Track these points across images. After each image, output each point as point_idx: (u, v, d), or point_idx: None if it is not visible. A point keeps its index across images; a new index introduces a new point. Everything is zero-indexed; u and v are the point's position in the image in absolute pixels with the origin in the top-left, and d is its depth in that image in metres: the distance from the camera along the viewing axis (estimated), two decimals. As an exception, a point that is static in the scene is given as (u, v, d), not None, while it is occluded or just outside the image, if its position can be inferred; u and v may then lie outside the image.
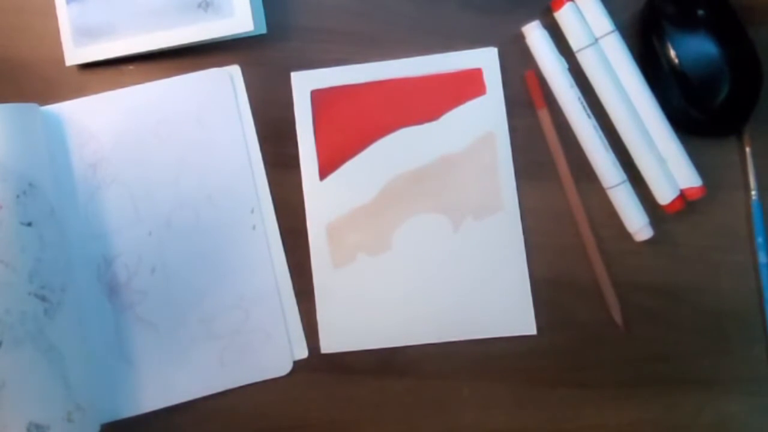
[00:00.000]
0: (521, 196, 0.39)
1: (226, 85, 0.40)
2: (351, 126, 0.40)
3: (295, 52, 0.40)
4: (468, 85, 0.39)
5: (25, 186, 0.36)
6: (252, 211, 0.39)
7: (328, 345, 0.38)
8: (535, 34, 0.39)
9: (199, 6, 0.39)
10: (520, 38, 0.39)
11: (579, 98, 0.38)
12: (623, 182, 0.38)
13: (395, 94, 0.40)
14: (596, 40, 0.38)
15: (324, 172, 0.39)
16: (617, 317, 0.38)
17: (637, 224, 0.38)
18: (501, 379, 0.38)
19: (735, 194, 0.39)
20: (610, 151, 0.38)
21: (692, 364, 0.38)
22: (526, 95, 0.39)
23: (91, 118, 0.40)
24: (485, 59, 0.40)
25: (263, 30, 0.40)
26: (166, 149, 0.39)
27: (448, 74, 0.40)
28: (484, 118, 0.39)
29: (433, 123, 0.39)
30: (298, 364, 0.38)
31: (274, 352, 0.38)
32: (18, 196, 0.36)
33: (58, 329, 0.36)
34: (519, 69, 0.39)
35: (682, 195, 0.38)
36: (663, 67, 0.38)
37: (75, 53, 0.40)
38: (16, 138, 0.37)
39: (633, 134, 0.38)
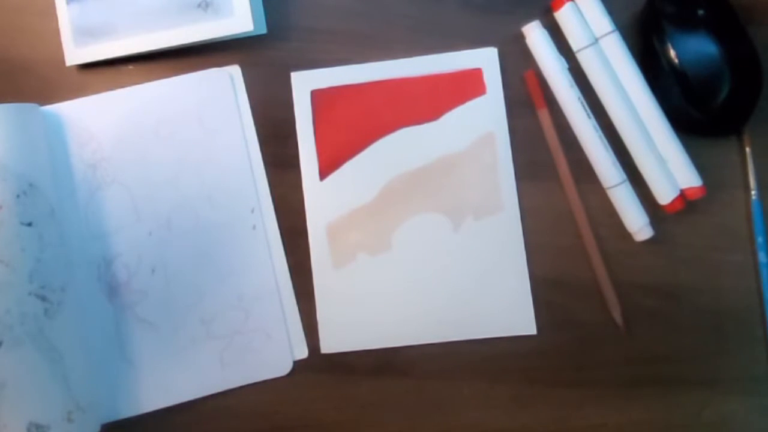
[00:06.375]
0: (521, 196, 0.39)
1: (226, 85, 0.40)
2: (351, 126, 0.40)
3: (295, 52, 0.40)
4: (468, 85, 0.39)
5: (25, 186, 0.36)
6: (252, 211, 0.39)
7: (328, 345, 0.38)
8: (535, 34, 0.39)
9: (199, 6, 0.39)
10: (520, 38, 0.39)
11: (579, 98, 0.38)
12: (623, 182, 0.38)
13: (395, 94, 0.40)
14: (596, 40, 0.38)
15: (324, 172, 0.39)
16: (617, 317, 0.38)
17: (637, 224, 0.38)
18: (501, 379, 0.38)
19: (735, 194, 0.39)
20: (610, 151, 0.38)
21: (692, 364, 0.38)
22: (526, 95, 0.39)
23: (91, 118, 0.40)
24: (485, 59, 0.40)
25: (263, 30, 0.40)
26: (166, 149, 0.39)
27: (448, 74, 0.40)
28: (484, 118, 0.39)
29: (433, 123, 0.39)
30: (298, 364, 0.38)
31: (274, 352, 0.38)
32: (18, 196, 0.36)
33: (58, 329, 0.36)
34: (519, 69, 0.39)
35: (682, 195, 0.38)
36: (663, 67, 0.38)
37: (75, 53, 0.40)
38: (16, 138, 0.37)
39: (633, 134, 0.38)
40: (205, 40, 0.39)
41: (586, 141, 0.38)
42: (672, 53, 0.38)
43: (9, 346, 0.34)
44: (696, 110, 0.38)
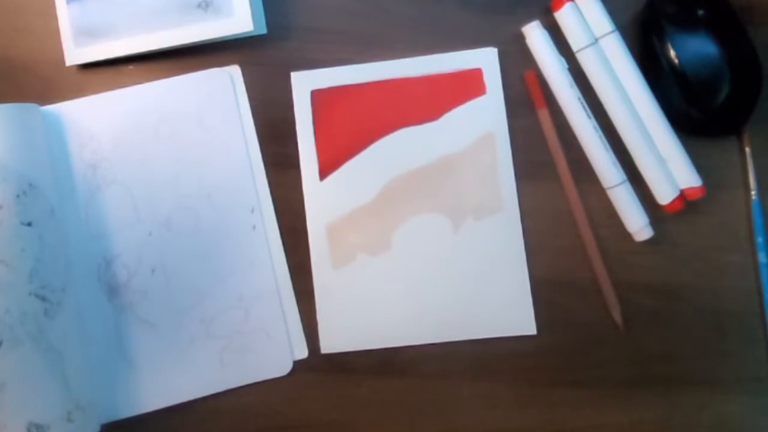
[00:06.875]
0: (521, 196, 0.39)
1: (226, 85, 0.40)
2: (351, 126, 0.40)
3: (295, 52, 0.40)
4: (468, 85, 0.39)
5: (25, 186, 0.36)
6: (252, 211, 0.39)
7: (328, 345, 0.38)
8: (535, 34, 0.39)
9: (199, 6, 0.39)
10: (520, 38, 0.39)
11: (579, 98, 0.38)
12: (623, 182, 0.38)
13: (395, 94, 0.40)
14: (596, 40, 0.38)
15: (324, 172, 0.39)
16: (617, 317, 0.38)
17: (637, 224, 0.38)
18: (501, 379, 0.38)
19: (735, 194, 0.39)
20: (610, 151, 0.38)
21: (692, 364, 0.38)
22: (526, 95, 0.39)
23: (91, 118, 0.40)
24: (485, 59, 0.40)
25: (263, 30, 0.40)
26: (166, 149, 0.39)
27: (448, 74, 0.40)
28: (484, 118, 0.39)
29: (433, 123, 0.39)
30: (298, 364, 0.38)
31: (274, 352, 0.38)
32: (18, 196, 0.36)
33: (58, 329, 0.36)
34: (519, 69, 0.39)
35: (682, 195, 0.38)
36: (663, 67, 0.38)
37: (75, 53, 0.40)
38: (16, 138, 0.37)
39: (633, 134, 0.38)
40: (205, 40, 0.39)
41: (586, 141, 0.38)
42: (672, 53, 0.38)
43: (9, 346, 0.34)
44: (696, 110, 0.38)
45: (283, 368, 0.38)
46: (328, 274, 0.39)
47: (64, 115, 0.40)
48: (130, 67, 0.41)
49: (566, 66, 0.38)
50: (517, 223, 0.39)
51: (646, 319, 0.38)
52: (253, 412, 0.38)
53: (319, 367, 0.38)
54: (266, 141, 0.40)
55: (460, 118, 0.39)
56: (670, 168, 0.38)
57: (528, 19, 0.39)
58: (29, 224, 0.36)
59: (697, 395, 0.38)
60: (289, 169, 0.40)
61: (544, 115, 0.39)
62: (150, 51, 0.40)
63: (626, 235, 0.38)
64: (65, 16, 0.40)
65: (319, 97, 0.40)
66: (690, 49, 0.37)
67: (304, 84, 0.40)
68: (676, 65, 0.37)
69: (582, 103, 0.38)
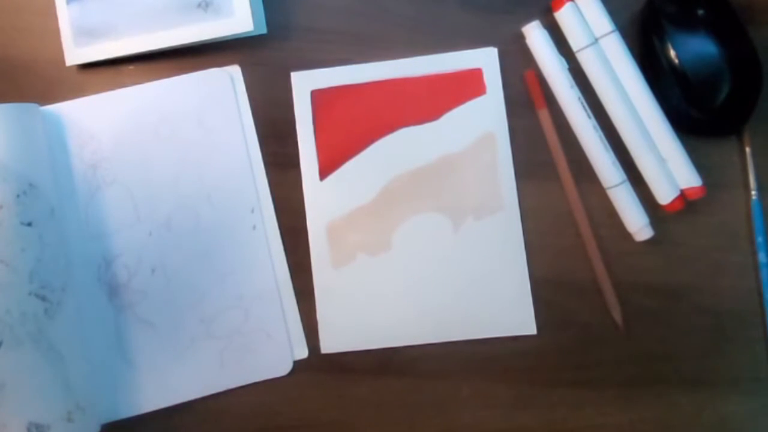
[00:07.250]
0: (521, 196, 0.39)
1: (226, 85, 0.40)
2: (351, 126, 0.40)
3: (295, 52, 0.40)
4: (468, 85, 0.39)
5: (25, 186, 0.36)
6: (252, 211, 0.39)
7: (328, 345, 0.38)
8: (535, 34, 0.39)
9: (199, 6, 0.39)
10: (520, 38, 0.39)
11: (579, 98, 0.38)
12: (623, 182, 0.38)
13: (395, 94, 0.40)
14: (596, 40, 0.38)
15: (324, 172, 0.39)
16: (617, 317, 0.38)
17: (637, 224, 0.38)
18: (501, 379, 0.38)
19: (735, 194, 0.39)
20: (610, 151, 0.38)
21: (692, 364, 0.38)
22: (526, 95, 0.39)
23: (91, 119, 0.40)
24: (485, 59, 0.40)
25: (263, 30, 0.40)
26: (166, 149, 0.39)
27: (448, 74, 0.40)
28: (484, 118, 0.39)
29: (433, 123, 0.39)
30: (298, 364, 0.38)
31: (274, 352, 0.38)
32: (18, 196, 0.36)
33: (58, 329, 0.36)
34: (519, 69, 0.39)
35: (682, 195, 0.38)
36: (663, 67, 0.38)
37: (75, 53, 0.40)
38: (16, 138, 0.37)
39: (633, 134, 0.38)
40: (205, 40, 0.39)
41: (586, 141, 0.38)
42: (672, 53, 0.38)
43: (9, 346, 0.34)
44: (696, 110, 0.38)
45: (283, 368, 0.38)
46: (328, 274, 0.39)
47: (64, 115, 0.40)
48: (130, 67, 0.41)
49: (566, 66, 0.38)
50: (517, 223, 0.39)
51: (646, 319, 0.38)
52: (253, 412, 0.38)
53: (319, 367, 0.38)
54: (266, 141, 0.40)
55: (460, 118, 0.39)
56: (670, 168, 0.38)
57: (528, 19, 0.39)
58: (29, 224, 0.36)
59: (697, 395, 0.38)
60: (289, 168, 0.40)
61: (544, 115, 0.39)
62: (150, 51, 0.40)
63: (626, 235, 0.38)
64: (65, 16, 0.40)
65: (319, 97, 0.40)
66: (690, 49, 0.37)
67: (304, 84, 0.40)
68: (676, 65, 0.37)
69: (582, 103, 0.38)
